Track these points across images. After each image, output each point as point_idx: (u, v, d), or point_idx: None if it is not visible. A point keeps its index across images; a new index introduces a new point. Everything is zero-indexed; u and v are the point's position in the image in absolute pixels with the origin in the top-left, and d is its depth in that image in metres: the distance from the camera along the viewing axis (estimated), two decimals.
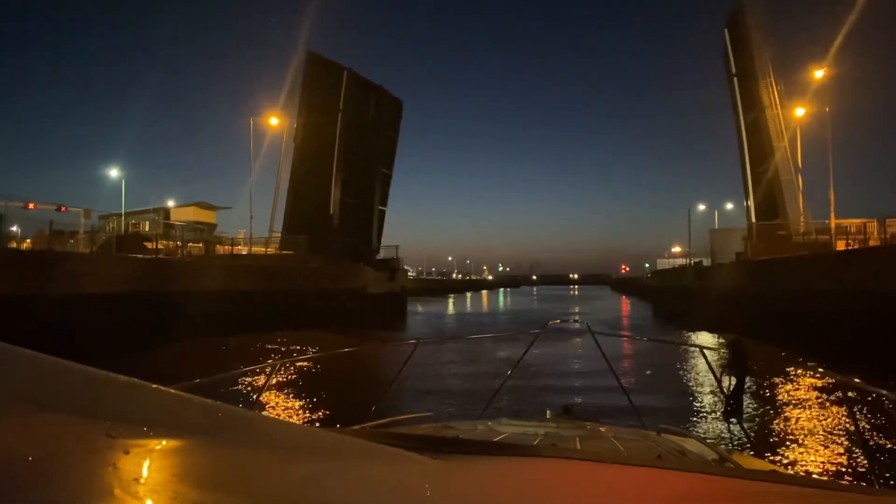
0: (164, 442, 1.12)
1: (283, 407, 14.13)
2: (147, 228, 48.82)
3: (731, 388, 3.42)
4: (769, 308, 27.33)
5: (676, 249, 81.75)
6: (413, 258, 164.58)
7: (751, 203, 42.93)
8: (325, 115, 44.32)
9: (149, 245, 35.19)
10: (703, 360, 4.40)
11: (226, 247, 45.46)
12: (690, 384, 16.72)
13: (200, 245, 38.81)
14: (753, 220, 41.76)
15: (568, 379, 17.68)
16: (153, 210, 59.63)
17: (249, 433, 1.39)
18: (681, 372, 18.14)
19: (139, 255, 30.03)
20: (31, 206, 38.23)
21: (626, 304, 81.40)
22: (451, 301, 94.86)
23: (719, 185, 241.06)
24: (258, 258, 39.76)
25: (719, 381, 3.64)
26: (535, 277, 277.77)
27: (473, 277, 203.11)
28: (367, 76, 49.98)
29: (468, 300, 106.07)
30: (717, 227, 59.79)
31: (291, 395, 15.12)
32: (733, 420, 3.56)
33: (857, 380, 3.55)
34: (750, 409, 12.73)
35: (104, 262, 26.41)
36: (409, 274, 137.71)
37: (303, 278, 36.70)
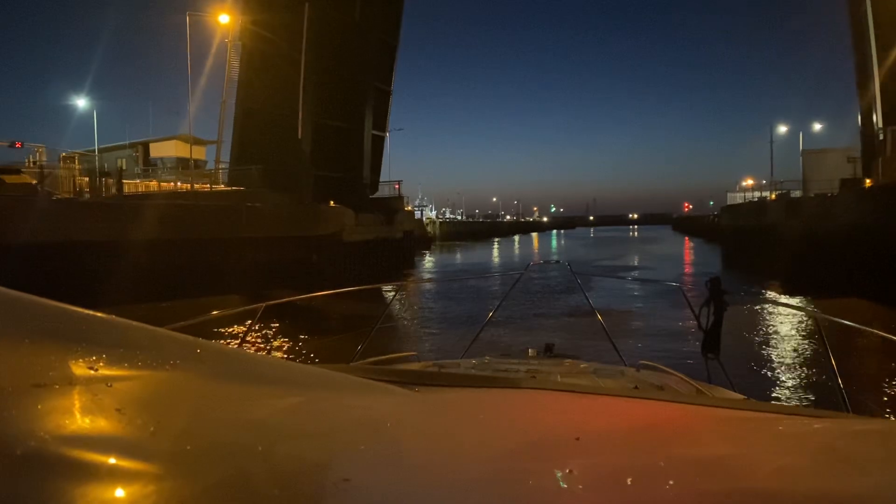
0: (145, 375, 1.14)
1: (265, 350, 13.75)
2: (123, 165, 41.79)
3: (709, 325, 3.59)
4: None
5: (748, 182, 69.62)
6: (457, 200, 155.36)
7: (876, 104, 29.97)
8: (281, 9, 33.55)
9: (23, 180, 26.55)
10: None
11: (203, 185, 37.09)
12: (678, 323, 15.89)
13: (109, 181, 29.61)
14: (880, 125, 29.18)
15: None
16: (129, 145, 52.54)
17: (231, 367, 1.38)
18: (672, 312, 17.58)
19: None
20: None
21: (688, 250, 70.07)
22: (496, 247, 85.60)
23: (798, 108, 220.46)
24: (174, 196, 30.41)
25: (697, 318, 3.73)
26: (591, 218, 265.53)
27: (526, 219, 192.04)
28: None
29: (516, 244, 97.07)
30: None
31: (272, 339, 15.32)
32: (710, 355, 3.68)
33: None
34: None
35: None
36: (449, 216, 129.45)
37: (242, 223, 27.39)
